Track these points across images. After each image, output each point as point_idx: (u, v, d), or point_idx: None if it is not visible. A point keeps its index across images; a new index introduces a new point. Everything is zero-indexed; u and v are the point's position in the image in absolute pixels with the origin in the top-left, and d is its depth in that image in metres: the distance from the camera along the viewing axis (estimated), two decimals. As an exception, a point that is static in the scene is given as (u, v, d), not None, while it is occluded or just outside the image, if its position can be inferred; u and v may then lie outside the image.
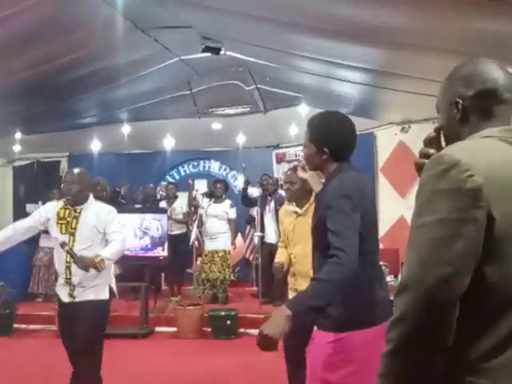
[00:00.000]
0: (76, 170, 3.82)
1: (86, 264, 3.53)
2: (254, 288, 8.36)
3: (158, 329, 7.00)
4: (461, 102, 1.40)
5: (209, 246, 7.87)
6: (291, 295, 3.56)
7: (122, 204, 8.68)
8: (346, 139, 2.37)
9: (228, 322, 6.64)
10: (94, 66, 6.26)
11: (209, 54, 6.20)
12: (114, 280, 3.96)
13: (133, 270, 8.09)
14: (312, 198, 3.59)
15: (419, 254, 1.22)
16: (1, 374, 4.88)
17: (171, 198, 8.51)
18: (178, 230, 8.29)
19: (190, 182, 8.47)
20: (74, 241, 3.66)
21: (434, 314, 1.18)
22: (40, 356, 5.70)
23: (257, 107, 9.04)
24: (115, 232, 3.69)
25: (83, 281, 3.65)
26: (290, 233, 3.69)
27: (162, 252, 7.07)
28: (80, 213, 3.73)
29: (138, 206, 8.58)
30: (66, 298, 3.72)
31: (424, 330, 1.19)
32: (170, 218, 7.88)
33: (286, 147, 9.73)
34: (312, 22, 4.49)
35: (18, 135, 9.04)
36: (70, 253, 3.52)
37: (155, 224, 7.12)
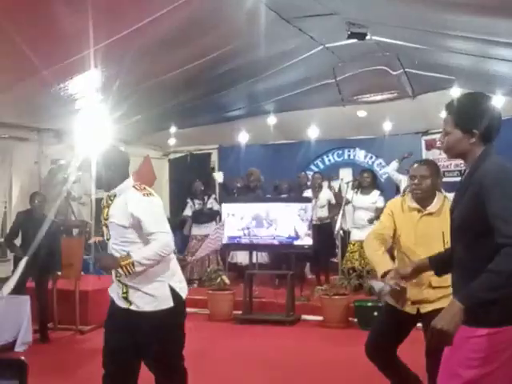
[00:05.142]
0: (108, 151, 3.12)
1: (104, 264, 3.00)
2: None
3: (304, 317, 7.07)
4: None
5: (356, 235, 7.74)
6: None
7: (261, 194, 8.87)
8: (495, 118, 2.24)
9: (375, 314, 6.49)
10: (240, 60, 6.45)
11: (354, 40, 6.07)
12: (175, 278, 3.10)
13: (278, 258, 8.28)
14: (442, 197, 3.39)
15: None
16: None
17: (316, 188, 8.53)
18: (322, 220, 8.29)
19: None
20: (109, 234, 3.04)
21: None
22: (194, 336, 6.02)
23: (404, 92, 8.69)
24: (155, 233, 2.91)
25: (134, 281, 2.99)
26: (410, 233, 3.40)
27: (307, 241, 7.10)
28: (113, 200, 3.04)
29: (283, 195, 8.71)
30: (120, 303, 3.07)
31: None
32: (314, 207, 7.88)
33: (437, 133, 9.24)
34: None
35: (173, 129, 9.70)
36: (96, 246, 2.92)
37: (300, 213, 7.16)
